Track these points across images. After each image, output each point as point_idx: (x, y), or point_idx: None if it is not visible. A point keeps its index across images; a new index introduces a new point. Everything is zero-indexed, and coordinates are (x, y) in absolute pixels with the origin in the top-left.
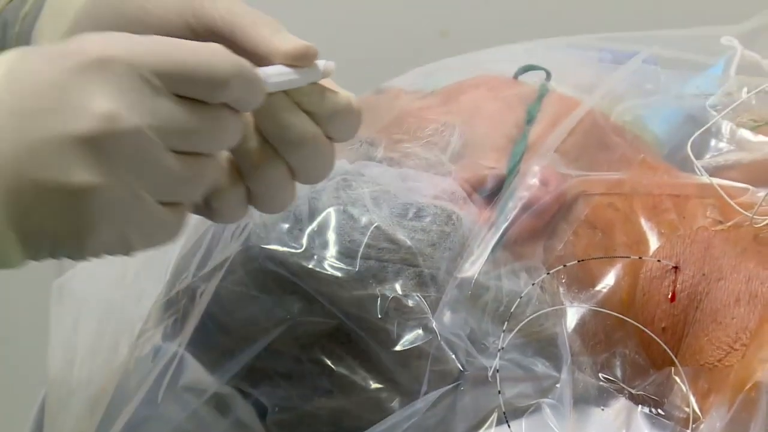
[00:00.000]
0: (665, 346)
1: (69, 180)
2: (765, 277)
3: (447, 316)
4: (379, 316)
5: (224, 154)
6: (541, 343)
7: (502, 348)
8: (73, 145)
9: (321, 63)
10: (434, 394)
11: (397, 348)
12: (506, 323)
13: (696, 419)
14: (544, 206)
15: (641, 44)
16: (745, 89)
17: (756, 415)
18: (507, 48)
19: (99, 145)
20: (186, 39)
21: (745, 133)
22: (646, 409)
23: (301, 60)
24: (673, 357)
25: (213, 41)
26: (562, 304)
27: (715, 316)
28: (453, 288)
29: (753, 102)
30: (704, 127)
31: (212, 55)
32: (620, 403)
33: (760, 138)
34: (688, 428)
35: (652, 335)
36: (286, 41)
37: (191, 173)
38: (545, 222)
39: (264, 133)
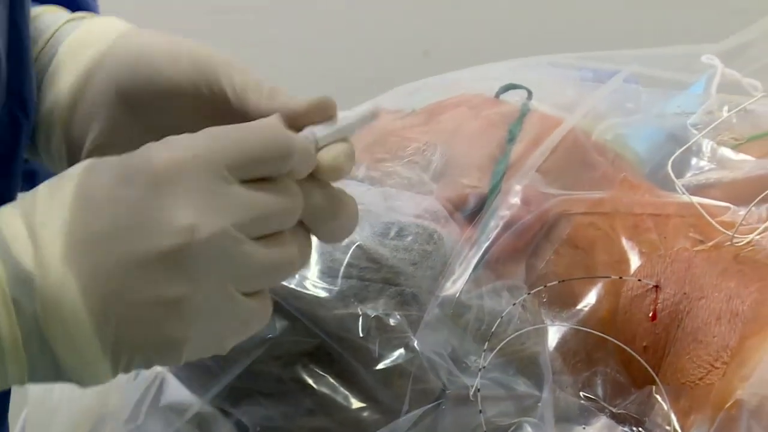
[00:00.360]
0: (646, 365)
1: (158, 294)
2: (746, 296)
3: (428, 335)
4: (361, 335)
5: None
6: (523, 362)
7: (484, 367)
8: (159, 261)
9: (360, 109)
10: (416, 413)
11: (379, 367)
12: (487, 342)
13: None
14: (526, 225)
15: (622, 63)
16: (725, 107)
17: None
18: (488, 67)
19: (185, 256)
20: (193, 102)
21: (726, 152)
22: (628, 428)
23: (323, 112)
24: (654, 375)
25: (219, 110)
26: (544, 323)
27: (696, 335)
28: (434, 307)
29: (734, 120)
30: (685, 146)
31: (272, 130)
32: (602, 422)
33: (741, 156)
34: None
35: (634, 354)
36: (299, 103)
37: (278, 256)
38: (527, 241)
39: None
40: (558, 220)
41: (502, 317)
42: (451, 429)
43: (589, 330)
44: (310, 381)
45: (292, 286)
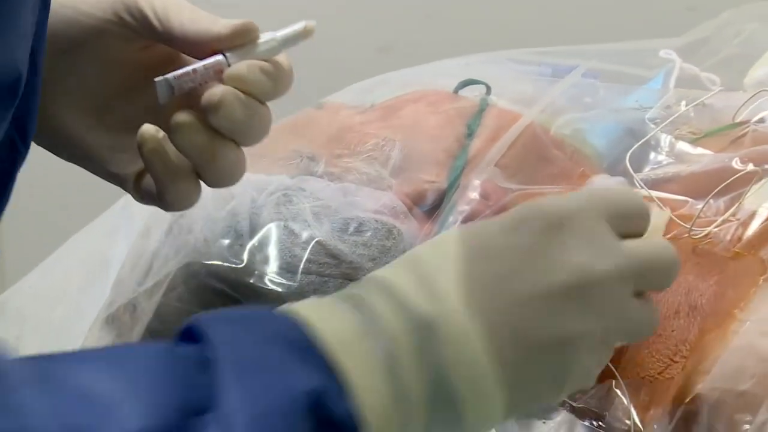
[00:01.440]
0: None
1: (559, 328)
2: (704, 289)
3: None
4: None
5: (172, 149)
6: None
7: None
8: (557, 296)
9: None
10: None
11: None
12: None
13: (637, 431)
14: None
15: (580, 58)
16: (683, 102)
17: (697, 427)
18: (447, 63)
19: (580, 293)
20: (121, 33)
21: (684, 146)
22: (588, 422)
23: (244, 36)
24: (614, 370)
25: (146, 35)
26: None
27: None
28: None
29: (691, 114)
30: (643, 140)
31: (637, 196)
32: (562, 416)
33: (699, 150)
34: None
35: None
36: (224, 26)
37: (649, 315)
38: None
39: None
40: None
41: None
42: None
43: None
44: None
45: (252, 281)
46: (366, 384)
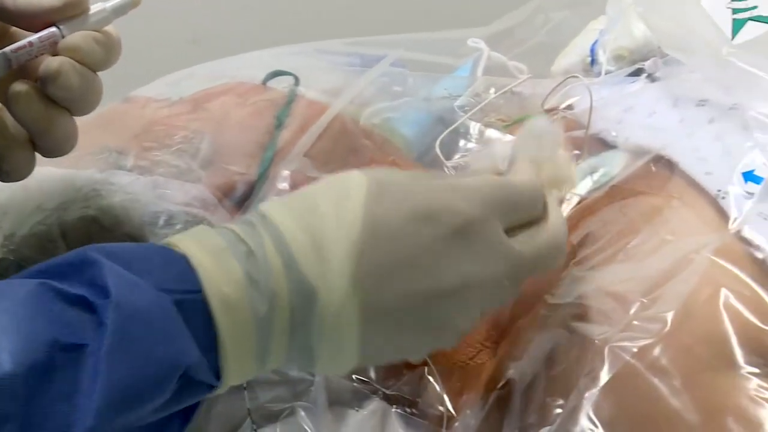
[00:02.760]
0: None
1: (426, 329)
2: None
3: None
4: None
5: (10, 120)
6: None
7: None
8: (436, 299)
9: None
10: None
11: None
12: None
13: (450, 418)
14: None
15: (389, 48)
16: (492, 90)
17: (509, 411)
18: (255, 54)
19: (464, 294)
20: None
21: (494, 133)
22: (401, 409)
23: (76, 7)
24: (426, 357)
25: None
26: None
27: None
28: None
29: (500, 102)
30: (451, 127)
31: (536, 189)
32: (375, 404)
33: (508, 137)
34: (442, 427)
35: None
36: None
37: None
38: None
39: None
40: None
41: None
42: (222, 415)
43: None
44: None
45: None
46: (237, 338)
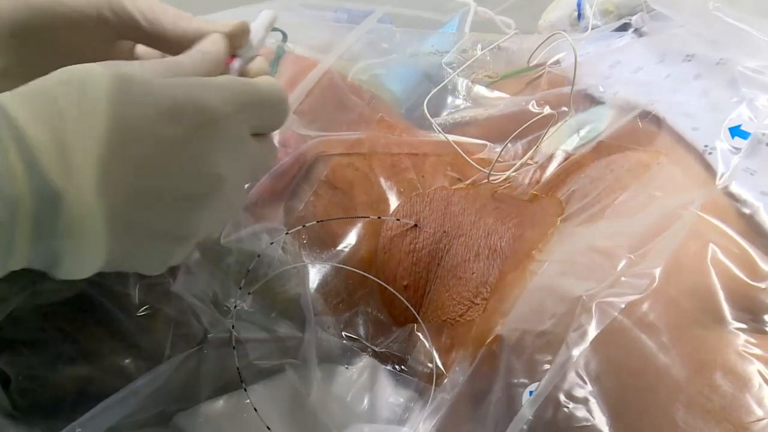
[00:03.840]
0: (407, 303)
1: (173, 232)
2: (503, 232)
3: (189, 280)
4: (119, 282)
5: None
6: (284, 304)
7: (236, 306)
8: (186, 202)
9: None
10: (178, 358)
11: (139, 313)
12: (243, 281)
13: (439, 374)
14: (284, 167)
15: (376, 3)
16: (479, 46)
17: (497, 367)
18: (241, 10)
19: (207, 203)
20: (98, 28)
21: (481, 90)
22: (390, 366)
23: (244, 35)
24: (416, 314)
25: (127, 34)
26: (304, 264)
27: (456, 272)
28: (195, 251)
29: (488, 58)
30: (440, 85)
31: (282, 96)
32: (364, 361)
33: (496, 94)
34: (431, 384)
35: (395, 292)
36: (226, 26)
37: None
38: (285, 183)
39: None
40: (316, 161)
41: (258, 256)
42: (213, 373)
43: (350, 269)
44: (71, 329)
45: None
46: None
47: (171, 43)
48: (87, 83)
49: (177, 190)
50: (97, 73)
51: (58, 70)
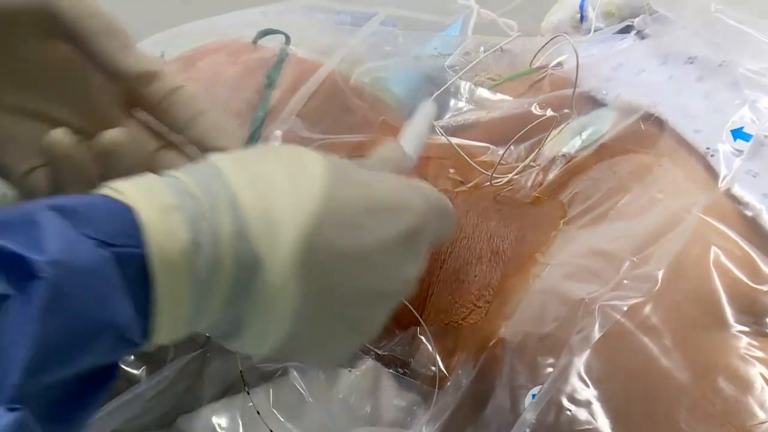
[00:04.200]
0: (410, 306)
1: (359, 318)
2: (505, 235)
3: None
4: None
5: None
6: None
7: None
8: (376, 299)
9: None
10: (181, 361)
11: None
12: None
13: (442, 378)
14: None
15: (378, 6)
16: (482, 48)
17: (500, 371)
18: (245, 12)
19: (392, 303)
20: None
21: (484, 92)
22: (393, 370)
23: (147, 80)
24: (418, 317)
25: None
26: None
27: (458, 275)
28: None
29: (490, 60)
30: (443, 87)
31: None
32: (367, 364)
33: (499, 96)
34: (434, 387)
35: None
36: (136, 62)
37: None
38: None
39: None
40: None
41: None
42: (216, 376)
43: None
44: None
45: None
46: (173, 300)
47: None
48: (302, 161)
49: (373, 287)
50: (311, 153)
51: (276, 145)
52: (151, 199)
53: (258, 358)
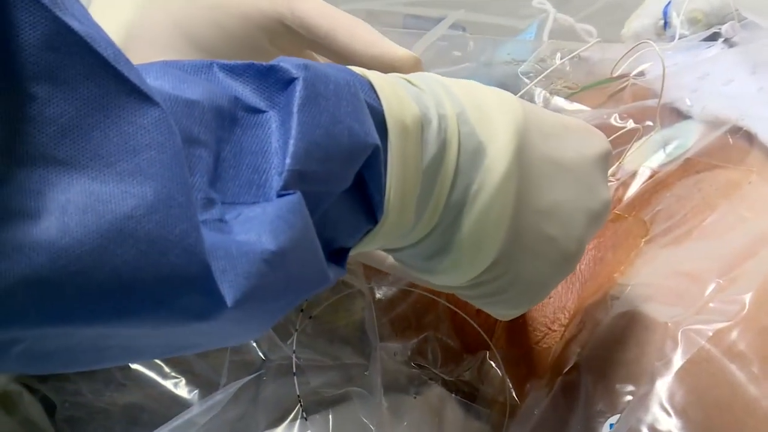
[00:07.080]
0: (479, 329)
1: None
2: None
3: None
4: None
5: None
6: (347, 329)
7: (297, 331)
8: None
9: None
10: (234, 386)
11: None
12: (303, 304)
13: (513, 405)
14: None
15: (447, 8)
16: (558, 54)
17: (576, 398)
18: None
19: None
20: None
21: (560, 101)
22: (461, 396)
23: (415, 67)
24: (488, 340)
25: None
26: (368, 287)
27: None
28: None
29: (567, 68)
30: (517, 96)
31: None
32: (433, 390)
33: (576, 106)
34: (504, 415)
35: (466, 317)
36: (396, 49)
37: None
38: None
39: None
40: None
41: None
42: (271, 401)
43: (419, 291)
44: None
45: None
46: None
47: (338, 57)
48: (501, 93)
49: (577, 198)
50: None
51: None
52: (378, 75)
53: (320, 381)
